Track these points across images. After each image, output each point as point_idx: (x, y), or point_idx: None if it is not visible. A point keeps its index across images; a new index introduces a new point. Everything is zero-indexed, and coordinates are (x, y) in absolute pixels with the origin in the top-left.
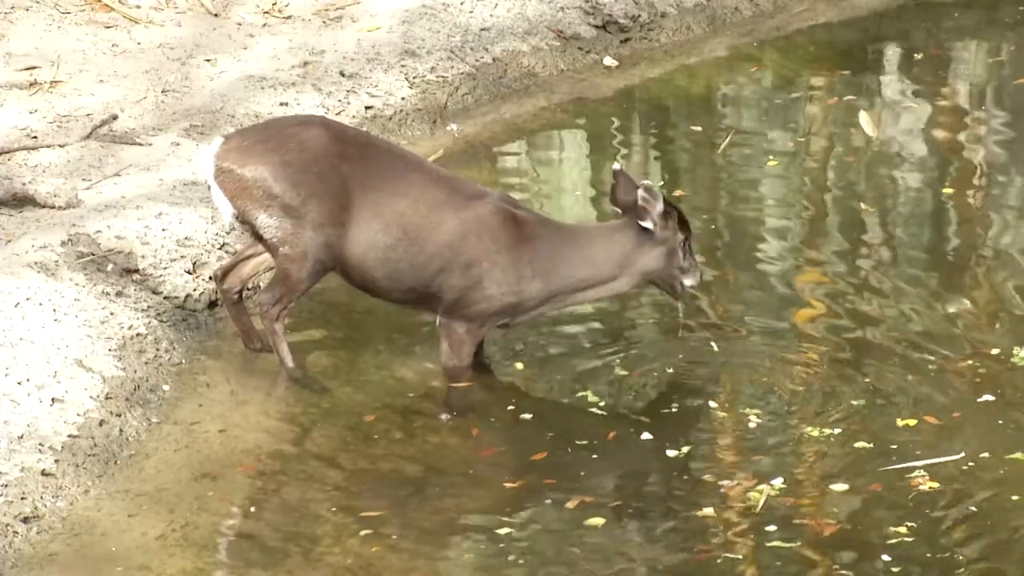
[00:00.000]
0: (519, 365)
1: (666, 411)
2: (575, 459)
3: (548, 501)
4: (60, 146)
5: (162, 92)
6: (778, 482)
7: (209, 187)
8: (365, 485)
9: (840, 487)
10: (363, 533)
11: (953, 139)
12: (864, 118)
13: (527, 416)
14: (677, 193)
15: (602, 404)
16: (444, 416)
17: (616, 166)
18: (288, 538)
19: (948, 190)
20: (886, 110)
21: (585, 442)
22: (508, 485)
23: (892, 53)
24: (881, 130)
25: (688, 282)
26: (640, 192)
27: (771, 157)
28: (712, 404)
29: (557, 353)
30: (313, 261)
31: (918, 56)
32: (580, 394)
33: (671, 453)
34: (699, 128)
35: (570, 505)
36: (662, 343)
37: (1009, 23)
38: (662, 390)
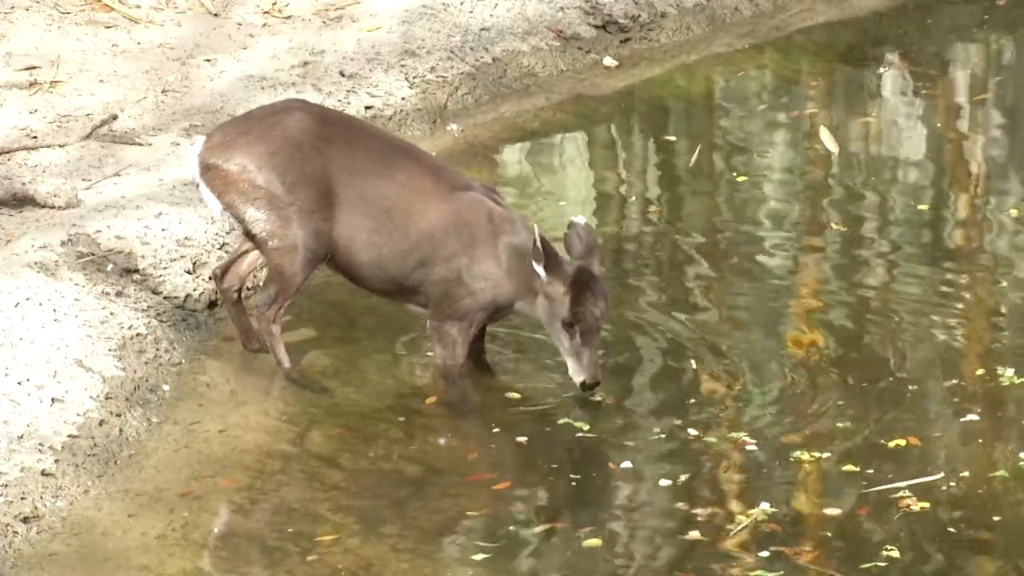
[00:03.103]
0: (515, 394)
1: (649, 437)
2: (552, 484)
3: (512, 527)
4: (60, 146)
5: (162, 92)
6: (766, 506)
7: (198, 186)
8: (365, 485)
9: (828, 511)
10: (363, 533)
11: (948, 143)
12: (825, 134)
13: (506, 441)
14: (652, 209)
15: (586, 428)
16: (441, 440)
17: (579, 219)
18: (288, 538)
19: (923, 207)
20: (879, 116)
21: (558, 466)
22: (471, 513)
23: (891, 54)
24: (842, 144)
25: (574, 376)
26: (535, 238)
27: (735, 174)
28: (693, 431)
29: (543, 375)
30: (304, 251)
31: (916, 57)
32: (562, 420)
33: (651, 479)
34: (674, 138)
35: (537, 530)
36: (645, 367)
37: (1008, 23)
38: (645, 415)
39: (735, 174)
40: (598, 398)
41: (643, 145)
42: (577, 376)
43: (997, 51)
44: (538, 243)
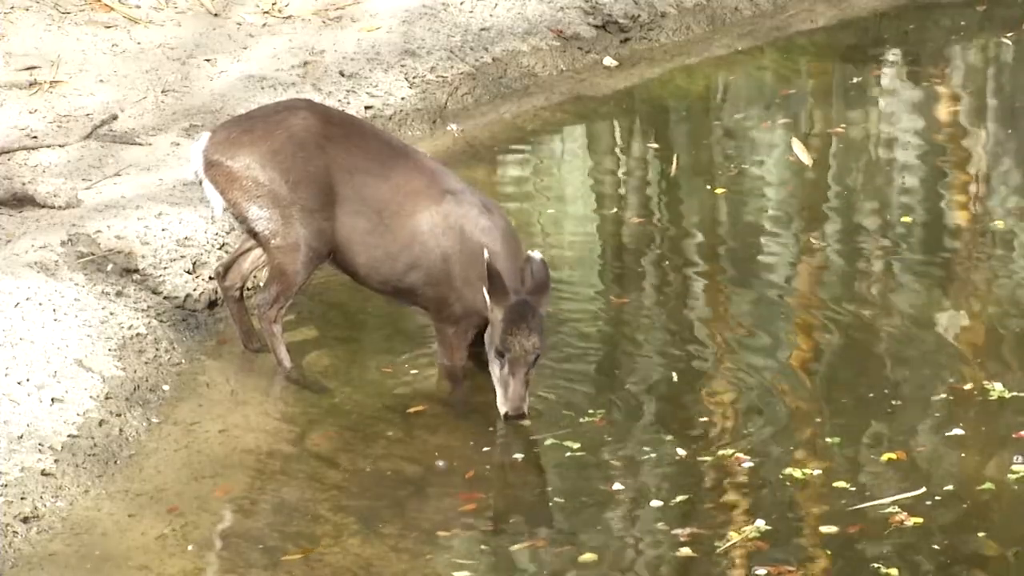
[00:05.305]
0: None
1: (638, 457)
2: (546, 502)
3: (505, 541)
4: (60, 146)
5: (162, 92)
6: (760, 523)
7: (200, 182)
8: (365, 485)
9: (821, 528)
10: (363, 533)
11: (941, 150)
12: (797, 146)
13: (502, 458)
14: (637, 220)
15: (576, 447)
16: (441, 463)
17: (536, 254)
18: (288, 538)
19: (907, 219)
20: (877, 120)
21: (551, 487)
22: (468, 526)
23: (891, 54)
24: (815, 156)
25: (499, 406)
26: (485, 261)
27: (710, 187)
28: (681, 451)
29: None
30: (306, 249)
31: (916, 57)
32: (550, 441)
33: (644, 497)
34: (657, 145)
35: (516, 547)
36: (637, 385)
37: (1008, 23)
38: (633, 435)
39: (710, 187)
40: (587, 419)
41: (642, 146)
42: (501, 407)
43: (996, 52)
44: (487, 267)
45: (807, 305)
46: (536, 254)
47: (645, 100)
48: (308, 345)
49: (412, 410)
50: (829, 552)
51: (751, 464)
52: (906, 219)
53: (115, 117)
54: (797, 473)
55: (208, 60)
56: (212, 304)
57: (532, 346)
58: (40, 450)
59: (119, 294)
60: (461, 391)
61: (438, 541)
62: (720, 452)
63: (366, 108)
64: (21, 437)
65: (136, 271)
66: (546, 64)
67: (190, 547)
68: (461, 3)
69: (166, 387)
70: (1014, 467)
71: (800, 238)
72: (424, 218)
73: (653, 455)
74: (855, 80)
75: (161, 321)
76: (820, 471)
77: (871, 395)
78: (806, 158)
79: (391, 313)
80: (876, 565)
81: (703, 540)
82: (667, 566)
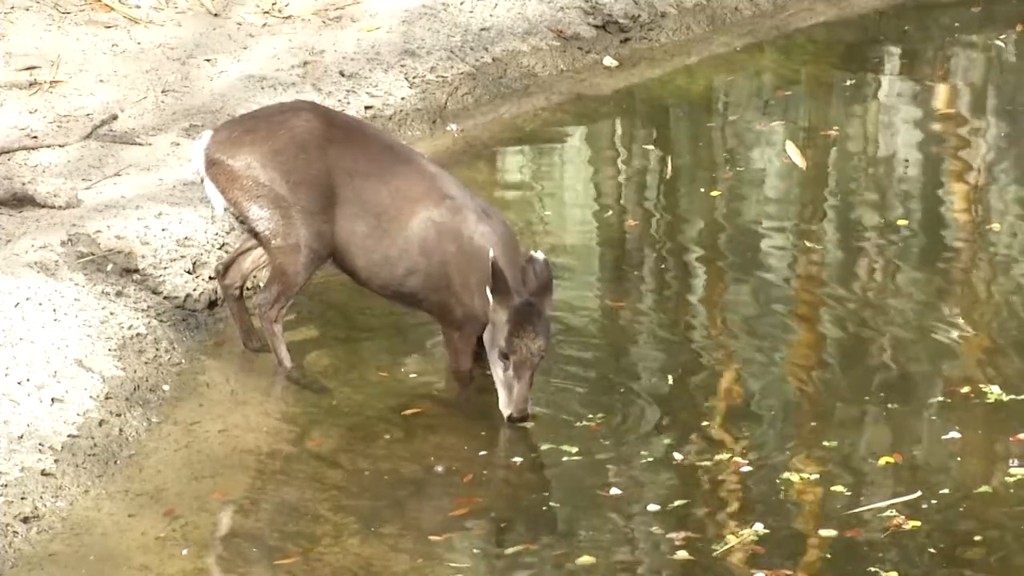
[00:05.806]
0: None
1: (635, 460)
2: (542, 507)
3: (476, 551)
4: (60, 146)
5: (162, 92)
6: (759, 527)
7: (201, 180)
8: (365, 485)
9: (819, 531)
10: (363, 533)
11: (937, 153)
12: (791, 149)
13: (500, 462)
14: (631, 223)
15: (574, 452)
16: (439, 468)
17: (538, 255)
18: (288, 538)
19: (903, 221)
20: (880, 120)
21: (548, 492)
22: (439, 535)
23: (891, 53)
24: (810, 159)
25: (502, 408)
26: (491, 261)
27: (703, 189)
28: (679, 455)
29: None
30: (307, 251)
31: (914, 56)
32: (547, 446)
33: (641, 500)
34: (655, 147)
35: (514, 550)
36: (635, 388)
37: (1005, 22)
38: (630, 439)
39: (704, 189)
40: (585, 423)
41: (642, 146)
42: (505, 409)
43: (993, 52)
44: (492, 266)
45: (804, 309)
46: (539, 254)
47: (645, 100)
48: (308, 345)
49: (409, 412)
50: (827, 555)
51: (749, 468)
52: (902, 222)
53: (115, 117)
54: (795, 477)
55: (208, 60)
56: (212, 304)
57: (538, 348)
58: (40, 450)
59: (119, 294)
60: (468, 394)
61: (437, 543)
62: (718, 456)
63: (366, 108)
64: (21, 437)
65: (136, 271)
66: (546, 64)
67: (190, 547)
68: (461, 3)
69: (166, 387)
70: (1011, 470)
71: (797, 241)
72: (422, 223)
73: (650, 459)
74: (853, 80)
75: (161, 321)
76: (818, 475)
77: (868, 398)
78: (800, 160)
79: (391, 313)
80: (874, 568)
81: (701, 544)
82: (665, 570)
